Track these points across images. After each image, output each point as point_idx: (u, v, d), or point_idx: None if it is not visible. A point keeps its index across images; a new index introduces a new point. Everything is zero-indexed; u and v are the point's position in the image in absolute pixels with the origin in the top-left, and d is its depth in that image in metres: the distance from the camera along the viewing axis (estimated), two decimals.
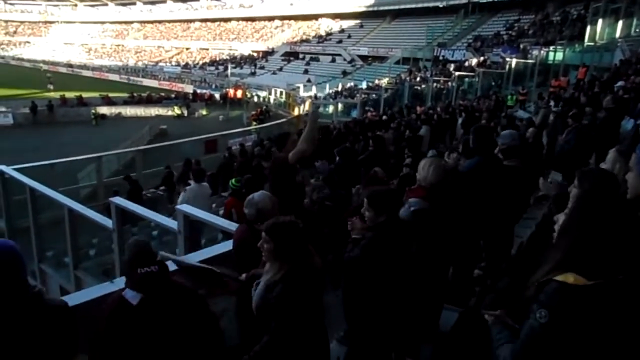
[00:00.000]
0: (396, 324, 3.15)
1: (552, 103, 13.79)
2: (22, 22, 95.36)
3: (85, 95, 36.55)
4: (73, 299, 2.77)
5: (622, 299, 1.46)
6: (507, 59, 26.46)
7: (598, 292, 1.46)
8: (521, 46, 29.62)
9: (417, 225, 3.19)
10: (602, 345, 1.46)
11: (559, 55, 23.82)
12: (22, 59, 77.70)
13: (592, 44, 22.67)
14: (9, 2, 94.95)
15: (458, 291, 3.93)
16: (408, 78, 30.82)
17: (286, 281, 2.37)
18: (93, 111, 31.86)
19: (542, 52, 25.19)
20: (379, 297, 2.91)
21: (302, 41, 56.42)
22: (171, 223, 4.68)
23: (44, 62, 70.81)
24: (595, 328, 1.45)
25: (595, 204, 1.60)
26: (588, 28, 23.80)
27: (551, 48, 25.09)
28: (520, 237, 4.59)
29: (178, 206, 4.59)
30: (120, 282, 2.98)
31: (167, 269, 2.42)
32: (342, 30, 54.19)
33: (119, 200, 5.29)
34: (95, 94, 38.12)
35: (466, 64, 31.17)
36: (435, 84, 27.42)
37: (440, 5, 43.47)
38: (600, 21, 22.64)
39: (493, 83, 25.96)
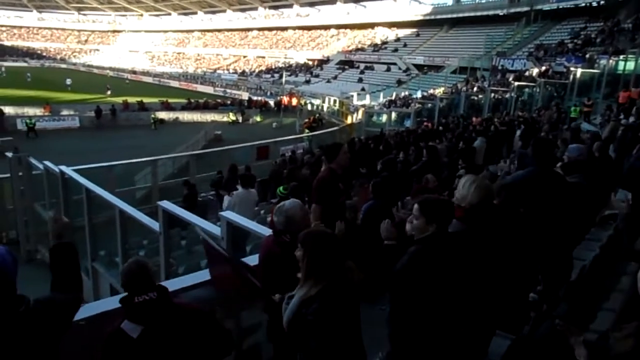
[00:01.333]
0: (444, 347, 2.93)
1: (621, 115, 12.94)
2: (92, 32, 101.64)
3: (146, 100, 38.21)
4: (109, 303, 2.74)
5: None
6: (572, 69, 25.20)
7: None
8: (587, 55, 28.15)
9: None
10: None
11: (630, 65, 22.38)
12: (92, 66, 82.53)
13: None
14: (82, 12, 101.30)
15: (511, 317, 3.64)
16: (465, 88, 30.02)
17: (323, 298, 2.23)
18: (153, 116, 33.20)
19: (611, 61, 23.77)
20: (427, 316, 2.70)
21: (357, 50, 56.49)
22: (213, 228, 4.66)
23: (110, 68, 74.91)
24: None
25: None
26: None
27: (621, 57, 23.62)
28: (582, 260, 4.24)
29: (222, 212, 4.55)
30: None
31: (167, 293, 2.17)
32: (397, 39, 53.83)
33: (166, 204, 5.33)
34: (156, 100, 39.74)
35: (526, 73, 30.00)
36: (493, 94, 26.52)
37: (501, 14, 42.25)
38: None
39: (555, 94, 24.75)
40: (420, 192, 4.60)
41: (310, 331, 2.25)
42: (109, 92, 45.50)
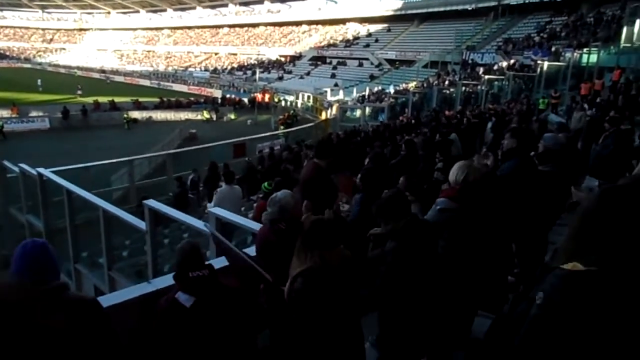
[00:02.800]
0: (428, 328, 3.12)
1: (586, 106, 13.43)
2: (58, 30, 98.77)
3: (117, 99, 37.53)
4: (111, 298, 2.83)
5: (620, 287, 1.43)
6: (539, 62, 25.90)
7: (594, 279, 1.44)
8: (553, 48, 28.97)
9: (444, 225, 3.20)
10: (597, 332, 1.43)
11: (593, 58, 23.17)
12: (58, 65, 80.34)
13: (628, 45, 21.98)
14: (46, 11, 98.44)
15: (491, 297, 3.86)
16: (436, 82, 30.51)
17: (306, 275, 2.35)
18: (125, 115, 32.65)
19: (575, 54, 24.56)
20: (410, 301, 2.89)
21: (329, 46, 56.60)
22: (201, 224, 4.74)
23: (78, 68, 73.10)
24: (592, 314, 1.43)
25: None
26: (624, 29, 23.07)
27: (585, 50, 24.43)
28: (554, 243, 4.49)
29: (210, 209, 4.65)
30: (157, 283, 3.05)
31: (216, 272, 2.50)
32: (369, 35, 54.15)
33: (152, 202, 5.39)
34: (127, 99, 39.08)
35: (496, 67, 30.68)
36: (464, 88, 27.05)
37: (469, 8, 42.96)
38: (638, 22, 21.93)
39: (524, 86, 25.42)
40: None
41: (293, 306, 2.37)
42: (79, 92, 44.41)
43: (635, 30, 21.97)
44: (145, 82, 60.34)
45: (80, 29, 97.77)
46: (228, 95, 44.95)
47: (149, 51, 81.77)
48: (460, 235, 3.17)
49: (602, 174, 6.48)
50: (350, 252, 2.54)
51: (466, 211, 3.18)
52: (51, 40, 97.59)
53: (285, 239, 2.88)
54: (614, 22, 27.82)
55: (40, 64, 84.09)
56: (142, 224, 5.67)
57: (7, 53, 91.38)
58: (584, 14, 33.65)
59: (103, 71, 70.40)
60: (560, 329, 1.47)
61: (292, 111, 34.76)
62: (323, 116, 31.68)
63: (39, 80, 51.12)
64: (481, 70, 31.19)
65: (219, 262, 3.30)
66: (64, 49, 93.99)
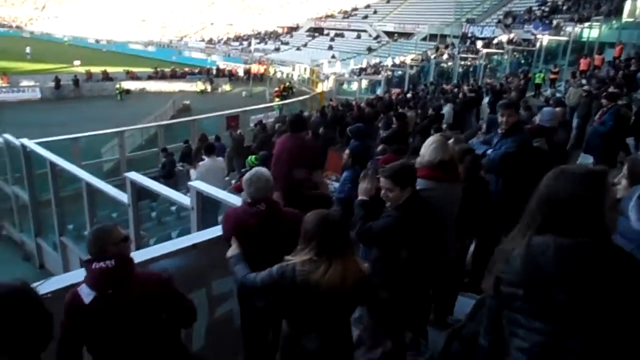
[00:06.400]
0: (414, 301, 3.06)
1: (584, 82, 13.23)
2: None
3: (110, 70, 36.91)
4: (74, 276, 2.70)
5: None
6: (539, 36, 25.48)
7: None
8: (554, 22, 28.48)
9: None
10: None
11: (595, 32, 22.77)
12: (50, 34, 78.73)
13: (631, 20, 21.57)
14: None
15: (476, 278, 3.78)
16: (434, 55, 30.07)
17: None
18: (117, 86, 32.12)
19: (576, 28, 24.12)
20: (402, 273, 2.83)
21: (327, 17, 55.55)
22: (184, 198, 4.62)
23: (70, 37, 71.74)
24: None
25: None
26: (628, 3, 22.60)
27: (586, 25, 23.99)
28: None
29: (190, 182, 4.51)
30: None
31: (126, 263, 2.17)
32: (367, 6, 53.07)
33: (134, 175, 5.25)
34: (120, 69, 38.44)
35: (495, 41, 30.22)
36: (462, 62, 26.67)
37: None
38: None
39: (523, 61, 25.08)
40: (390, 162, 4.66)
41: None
42: (77, 63, 43.22)
43: (639, 4, 21.53)
44: (140, 52, 59.09)
45: None
46: (223, 66, 44.11)
47: (143, 20, 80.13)
48: (439, 213, 3.05)
49: (598, 151, 6.36)
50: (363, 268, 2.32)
51: (446, 188, 3.07)
52: (43, 7, 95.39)
53: (266, 220, 2.74)
54: None
55: (31, 32, 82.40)
56: (125, 197, 5.55)
57: None
58: None
59: (97, 40, 69.04)
60: None
61: (287, 83, 34.31)
62: (319, 89, 31.29)
63: (27, 48, 49.83)
64: (480, 44, 30.71)
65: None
66: (56, 17, 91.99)
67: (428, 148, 3.12)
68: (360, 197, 2.99)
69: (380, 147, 5.13)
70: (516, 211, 1.61)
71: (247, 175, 2.82)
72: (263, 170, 2.89)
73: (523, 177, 3.75)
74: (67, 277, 2.75)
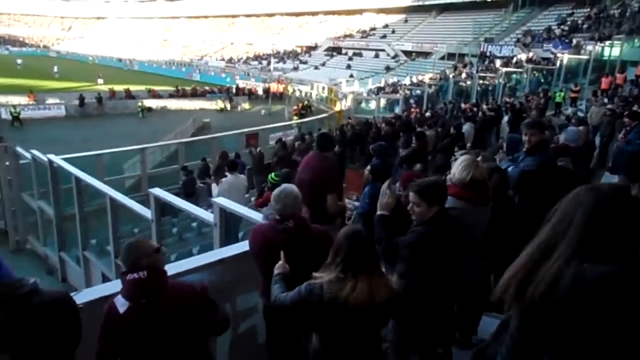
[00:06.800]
0: (442, 319, 3.02)
1: (605, 101, 13.09)
2: (76, 18, 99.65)
3: (132, 88, 37.74)
4: (106, 288, 2.76)
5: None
6: (559, 55, 25.34)
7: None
8: (574, 41, 28.32)
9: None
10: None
11: (616, 51, 22.56)
12: (76, 54, 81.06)
13: None
14: None
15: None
16: (452, 74, 30.07)
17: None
18: (140, 104, 32.78)
19: (597, 47, 23.94)
20: (431, 290, 2.80)
21: (345, 36, 56.12)
22: (207, 215, 4.67)
23: (95, 56, 73.79)
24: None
25: None
26: None
27: (607, 43, 23.79)
28: None
29: (214, 199, 4.57)
30: None
31: (158, 274, 2.23)
32: (386, 26, 53.54)
33: (158, 191, 5.34)
34: (143, 87, 39.27)
35: (514, 60, 30.11)
36: (481, 81, 26.62)
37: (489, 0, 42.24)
38: None
39: (542, 80, 24.91)
40: (409, 181, 4.67)
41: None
42: (100, 81, 44.57)
43: None
44: (163, 72, 60.33)
45: (98, 17, 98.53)
46: (243, 85, 44.78)
47: (165, 40, 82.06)
48: (468, 234, 3.02)
49: (625, 170, 6.25)
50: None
51: (476, 210, 3.05)
52: (70, 28, 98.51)
53: (295, 238, 2.73)
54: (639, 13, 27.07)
55: (58, 52, 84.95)
56: (148, 213, 5.63)
57: (27, 41, 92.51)
58: (607, 6, 32.78)
59: (120, 59, 70.80)
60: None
61: (306, 102, 34.58)
62: (337, 107, 31.43)
63: (55, 67, 51.74)
64: (499, 62, 30.64)
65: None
66: (82, 37, 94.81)
67: (459, 167, 3.12)
68: (379, 212, 2.98)
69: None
70: (532, 229, 1.59)
71: (276, 191, 2.82)
72: (292, 187, 2.89)
73: (544, 195, 3.73)
74: (97, 290, 2.81)
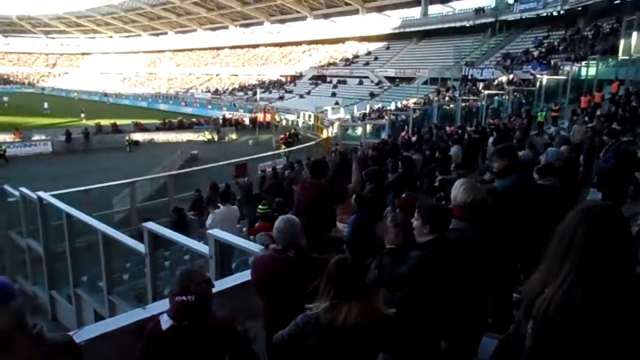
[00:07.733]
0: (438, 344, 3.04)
1: (586, 119, 13.42)
2: (61, 55, 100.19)
3: (119, 122, 37.79)
4: (104, 325, 2.77)
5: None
6: (538, 76, 26.01)
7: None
8: (552, 62, 29.15)
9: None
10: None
11: (592, 70, 23.29)
12: (61, 89, 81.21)
13: (627, 57, 22.09)
14: (50, 36, 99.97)
15: (498, 317, 3.77)
16: (436, 98, 30.64)
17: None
18: (127, 138, 32.82)
19: (574, 67, 24.68)
20: (425, 315, 2.82)
21: (329, 64, 57.12)
22: (201, 247, 4.68)
23: (80, 91, 73.98)
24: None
25: None
26: (622, 42, 23.21)
27: (583, 63, 24.54)
28: None
29: (209, 230, 4.59)
30: (152, 308, 2.98)
31: (204, 300, 2.38)
32: (368, 53, 54.65)
33: (151, 225, 5.33)
34: (129, 121, 39.34)
35: (495, 82, 30.83)
36: (464, 103, 27.14)
37: (467, 25, 43.43)
38: (635, 34, 22.05)
39: (524, 101, 25.50)
40: (408, 204, 4.73)
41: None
42: (83, 115, 44.77)
43: (633, 42, 22.08)
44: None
45: (83, 53, 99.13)
46: (229, 115, 45.12)
47: (150, 73, 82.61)
48: (470, 254, 3.08)
49: (605, 187, 6.42)
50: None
51: (477, 230, 3.12)
52: (54, 64, 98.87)
53: (295, 267, 2.78)
54: (611, 35, 28.02)
55: (43, 88, 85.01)
56: (141, 247, 5.60)
57: (12, 78, 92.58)
58: (580, 29, 33.94)
59: (105, 94, 71.01)
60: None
61: (293, 130, 34.92)
62: (324, 134, 31.76)
63: (45, 104, 51.92)
64: (481, 85, 31.34)
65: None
66: (66, 73, 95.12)
67: (458, 190, 3.19)
68: (388, 246, 2.99)
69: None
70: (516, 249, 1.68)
71: (277, 222, 2.90)
72: (292, 217, 2.97)
73: (524, 215, 3.83)
74: (96, 327, 2.81)
